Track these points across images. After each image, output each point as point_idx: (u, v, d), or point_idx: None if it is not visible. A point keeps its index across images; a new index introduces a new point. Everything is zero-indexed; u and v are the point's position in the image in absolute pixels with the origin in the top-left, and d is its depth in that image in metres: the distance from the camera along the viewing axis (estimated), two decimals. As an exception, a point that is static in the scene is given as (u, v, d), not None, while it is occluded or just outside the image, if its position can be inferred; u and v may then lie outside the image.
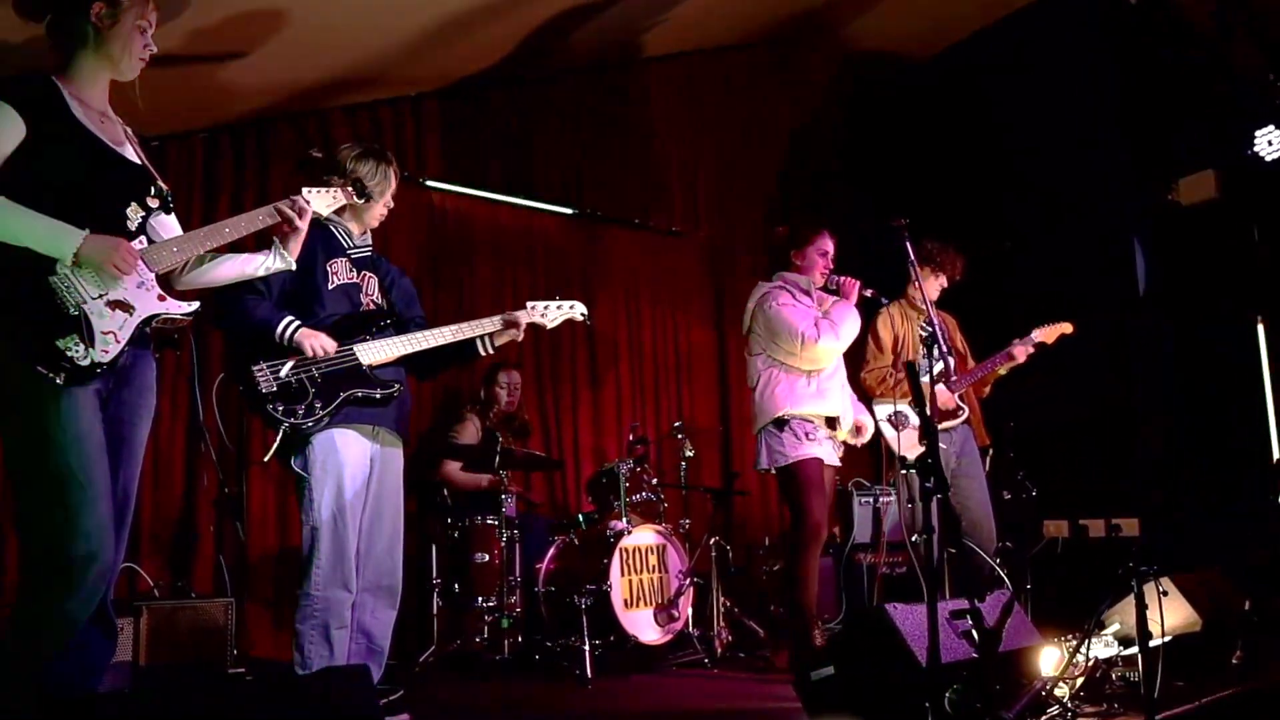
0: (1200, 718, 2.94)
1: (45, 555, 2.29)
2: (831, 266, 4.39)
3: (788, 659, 4.33)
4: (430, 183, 5.72)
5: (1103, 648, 3.36)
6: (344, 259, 3.46)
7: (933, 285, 4.77)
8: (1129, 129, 5.68)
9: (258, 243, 2.93)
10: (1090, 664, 3.14)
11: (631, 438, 5.12)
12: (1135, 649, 3.29)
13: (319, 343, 3.21)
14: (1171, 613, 3.39)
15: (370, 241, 3.58)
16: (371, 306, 3.48)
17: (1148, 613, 2.86)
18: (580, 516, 5.00)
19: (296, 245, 2.88)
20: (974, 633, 2.75)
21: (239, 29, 4.33)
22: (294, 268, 2.96)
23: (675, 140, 6.74)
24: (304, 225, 2.85)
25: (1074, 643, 3.33)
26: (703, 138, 6.88)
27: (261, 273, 2.89)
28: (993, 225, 5.97)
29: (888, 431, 4.61)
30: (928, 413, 2.51)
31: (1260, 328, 5.24)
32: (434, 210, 5.79)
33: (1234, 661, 3.47)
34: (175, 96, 4.50)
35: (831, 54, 6.92)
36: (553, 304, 3.68)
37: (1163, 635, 3.11)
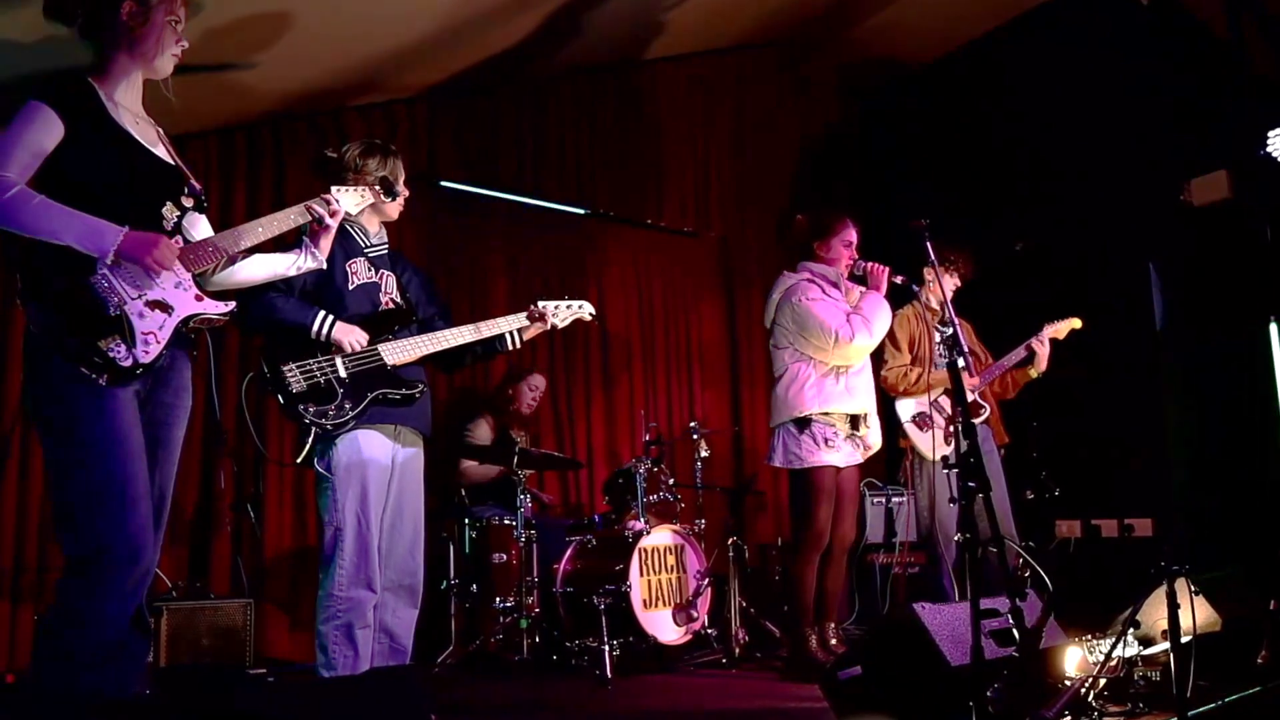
0: (1228, 716, 2.95)
1: (86, 555, 2.29)
2: (856, 256, 4.35)
3: (785, 662, 4.36)
4: (443, 182, 5.72)
5: (1123, 647, 3.37)
6: (362, 258, 3.47)
7: (947, 285, 4.77)
8: (1140, 129, 5.68)
9: (276, 243, 2.92)
10: (1116, 663, 3.15)
11: (648, 438, 5.11)
12: (1156, 649, 3.31)
13: (354, 337, 3.22)
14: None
15: (386, 240, 3.59)
16: (391, 305, 3.49)
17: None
18: (597, 517, 5.01)
19: (327, 244, 2.90)
20: (1005, 632, 2.77)
21: (254, 28, 4.33)
22: (325, 266, 2.97)
23: (687, 140, 6.75)
24: (334, 224, 2.86)
25: (1097, 642, 3.35)
26: (714, 137, 6.89)
27: (293, 272, 2.90)
28: (1003, 226, 5.97)
29: (912, 432, 4.61)
30: (967, 413, 2.51)
31: (1273, 328, 5.24)
32: (447, 209, 5.79)
33: (1259, 661, 3.48)
34: (191, 95, 4.45)
35: (841, 54, 6.94)
36: (562, 303, 3.70)
37: (1185, 635, 3.12)
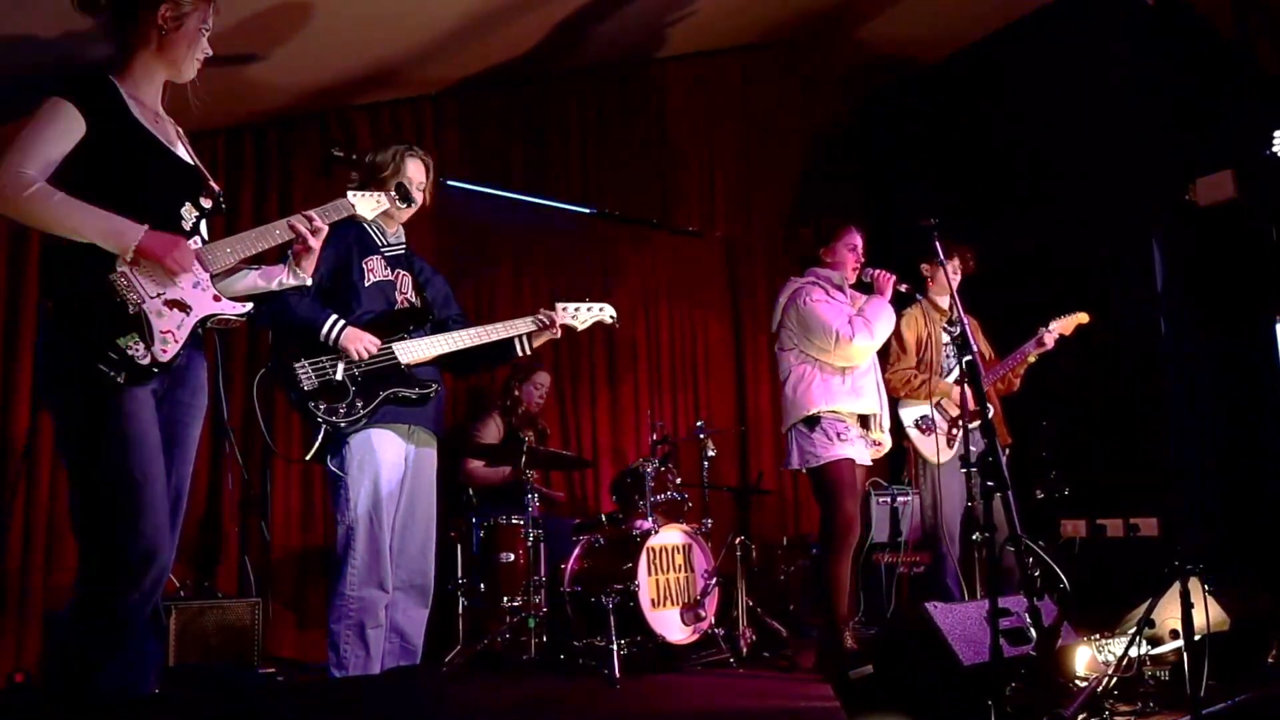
0: (1242, 715, 2.96)
1: (104, 555, 2.29)
2: (862, 260, 4.36)
3: (815, 660, 4.32)
4: (449, 181, 5.71)
5: (1135, 647, 3.37)
6: (378, 256, 3.48)
7: (952, 279, 4.78)
8: (1144, 129, 5.69)
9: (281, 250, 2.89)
10: (1126, 662, 3.15)
11: (655, 437, 5.11)
12: (1165, 648, 3.32)
13: (363, 345, 3.22)
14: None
15: (403, 239, 3.61)
16: (406, 304, 3.49)
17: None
18: (604, 516, 5.00)
19: (310, 263, 2.79)
20: (1017, 631, 2.77)
21: (264, 26, 4.33)
22: (308, 284, 2.90)
23: (692, 139, 6.76)
24: (316, 244, 2.73)
25: (1105, 641, 3.36)
26: (720, 137, 6.90)
27: (274, 287, 2.77)
28: (1004, 226, 5.98)
29: (915, 436, 4.62)
30: (986, 411, 2.51)
31: (1279, 327, 5.25)
32: (453, 209, 5.78)
33: (1270, 660, 3.49)
34: (198, 93, 4.48)
35: (848, 54, 6.93)
36: (583, 306, 3.72)
37: (1195, 635, 3.13)
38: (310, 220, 2.71)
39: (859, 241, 4.38)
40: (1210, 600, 3.44)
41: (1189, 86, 5.66)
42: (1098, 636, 3.42)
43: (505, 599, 4.67)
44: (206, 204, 2.53)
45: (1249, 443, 5.31)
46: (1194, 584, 2.88)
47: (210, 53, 2.55)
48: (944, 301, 4.72)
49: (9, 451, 4.35)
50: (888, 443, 4.40)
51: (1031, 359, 4.76)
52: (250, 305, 2.55)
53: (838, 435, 4.15)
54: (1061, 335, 4.76)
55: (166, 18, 2.45)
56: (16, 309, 4.43)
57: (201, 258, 2.45)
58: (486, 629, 4.68)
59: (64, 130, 2.31)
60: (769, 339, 4.51)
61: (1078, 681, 3.09)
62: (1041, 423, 4.74)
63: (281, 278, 2.77)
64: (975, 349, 4.41)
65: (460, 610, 4.71)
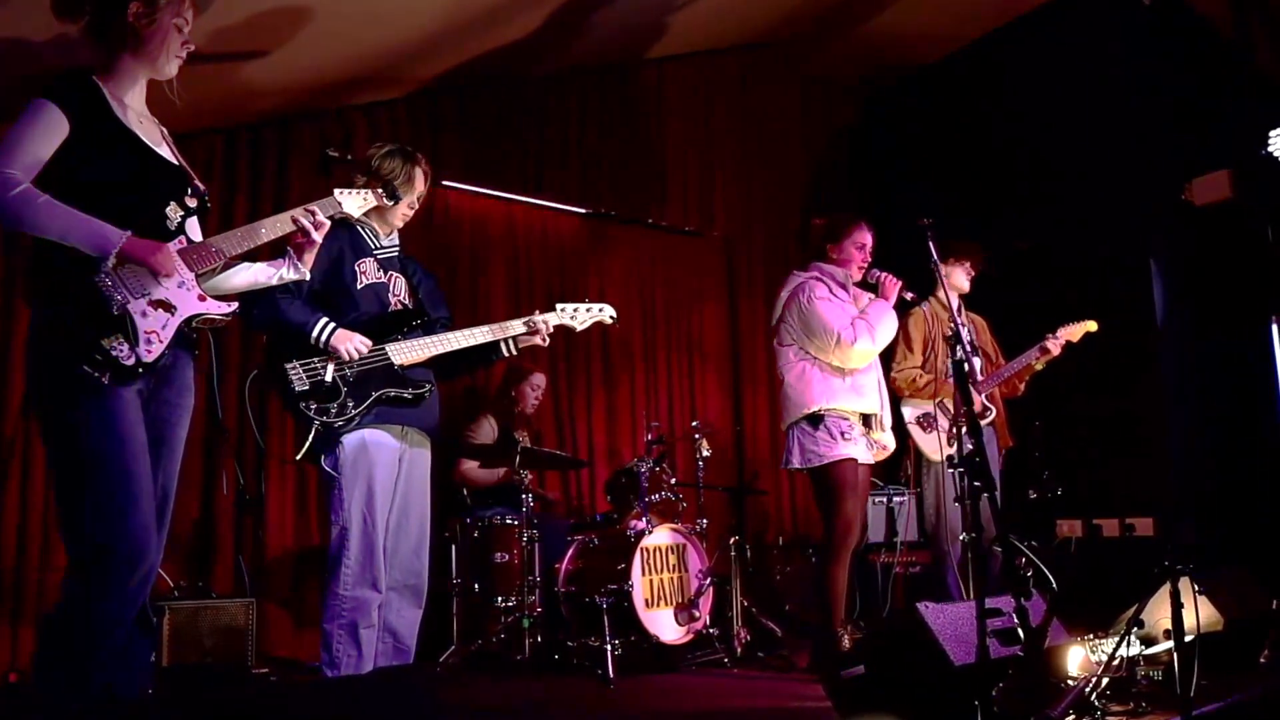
0: (1233, 715, 2.95)
1: (90, 555, 2.29)
2: (870, 259, 4.31)
3: (809, 660, 4.32)
4: (446, 182, 5.71)
5: (1126, 647, 3.37)
6: (371, 259, 3.48)
7: (961, 278, 4.77)
8: (1142, 129, 5.68)
9: (272, 249, 2.90)
10: (1118, 663, 3.15)
11: (650, 437, 5.11)
12: (1158, 648, 3.31)
13: (353, 345, 3.22)
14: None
15: (396, 242, 3.61)
16: (399, 306, 3.50)
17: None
18: (599, 516, 5.00)
19: (310, 257, 2.80)
20: (1008, 631, 2.77)
21: (262, 26, 4.33)
22: (308, 278, 2.91)
23: (690, 139, 6.75)
24: (319, 238, 2.75)
25: (1099, 641, 3.35)
26: (718, 137, 6.88)
27: (275, 282, 2.80)
28: (1003, 226, 5.98)
29: (916, 433, 4.61)
30: (972, 410, 2.51)
31: (1275, 328, 5.24)
32: (449, 209, 5.79)
33: (1262, 660, 3.48)
34: (195, 94, 4.45)
35: (848, 54, 6.93)
36: (582, 306, 3.72)
37: (1188, 635, 3.12)
38: (313, 214, 2.71)
39: (868, 240, 4.31)
40: (1204, 600, 3.44)
41: (1188, 86, 5.65)
42: (1091, 636, 3.41)
43: (500, 599, 4.67)
44: (191, 203, 2.53)
45: (1247, 442, 5.30)
46: (1184, 584, 2.88)
47: (193, 48, 2.55)
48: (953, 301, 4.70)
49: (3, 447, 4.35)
50: (892, 444, 4.35)
51: (1038, 366, 4.73)
52: (236, 305, 2.55)
53: (841, 434, 4.09)
54: (1069, 342, 4.74)
55: (138, 14, 2.45)
56: (13, 307, 4.43)
57: (187, 257, 2.44)
58: (481, 629, 4.68)
59: (48, 131, 2.31)
60: (768, 333, 4.47)
61: (1069, 682, 3.08)
62: (1034, 423, 4.73)
63: (281, 272, 2.78)
64: (968, 349, 4.43)
65: (455, 610, 4.72)
